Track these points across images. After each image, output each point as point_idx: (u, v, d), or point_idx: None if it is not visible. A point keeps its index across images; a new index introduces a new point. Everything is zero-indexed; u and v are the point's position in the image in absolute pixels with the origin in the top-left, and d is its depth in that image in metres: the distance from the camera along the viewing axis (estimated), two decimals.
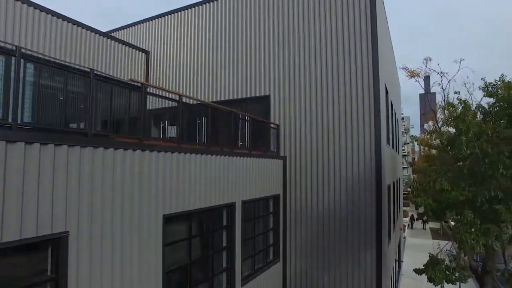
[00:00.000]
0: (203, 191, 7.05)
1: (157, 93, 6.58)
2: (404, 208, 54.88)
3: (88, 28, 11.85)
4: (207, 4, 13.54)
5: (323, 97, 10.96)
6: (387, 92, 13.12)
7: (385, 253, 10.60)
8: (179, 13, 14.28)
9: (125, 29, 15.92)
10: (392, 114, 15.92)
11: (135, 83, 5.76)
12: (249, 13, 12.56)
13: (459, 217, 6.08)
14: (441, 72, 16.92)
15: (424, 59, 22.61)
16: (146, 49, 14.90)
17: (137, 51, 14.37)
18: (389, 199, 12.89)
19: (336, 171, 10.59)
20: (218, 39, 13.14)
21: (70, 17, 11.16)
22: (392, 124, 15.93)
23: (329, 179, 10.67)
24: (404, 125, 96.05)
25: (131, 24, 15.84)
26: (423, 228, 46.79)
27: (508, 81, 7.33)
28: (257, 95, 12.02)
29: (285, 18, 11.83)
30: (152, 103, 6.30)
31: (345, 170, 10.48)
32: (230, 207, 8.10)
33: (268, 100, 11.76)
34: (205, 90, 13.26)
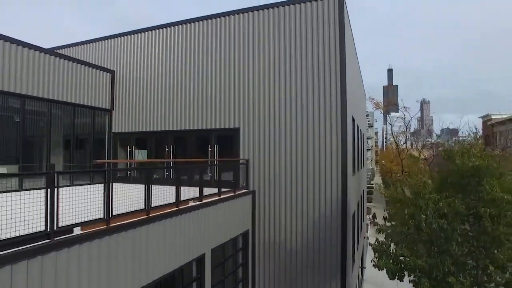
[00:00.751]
0: (173, 253, 7.00)
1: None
2: (368, 205, 57.38)
3: (41, 50, 11.20)
4: (177, 27, 13.17)
5: (292, 132, 11.11)
6: (354, 120, 13.50)
7: (349, 284, 11.07)
8: (148, 32, 13.80)
9: (88, 44, 15.17)
10: (359, 137, 16.44)
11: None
12: (220, 43, 12.37)
13: (416, 282, 6.48)
14: (404, 107, 17.51)
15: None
16: (111, 69, 14.31)
17: (101, 71, 13.77)
18: (354, 223, 13.41)
19: (304, 207, 10.85)
20: (188, 65, 12.87)
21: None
22: (359, 146, 16.46)
23: (297, 214, 10.92)
24: (369, 121, 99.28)
25: (95, 39, 15.10)
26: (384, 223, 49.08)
27: (466, 145, 7.80)
28: (227, 127, 11.96)
29: (258, 53, 11.77)
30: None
31: (312, 206, 10.76)
32: (200, 259, 8.11)
33: (238, 133, 11.75)
34: (173, 117, 13.00)
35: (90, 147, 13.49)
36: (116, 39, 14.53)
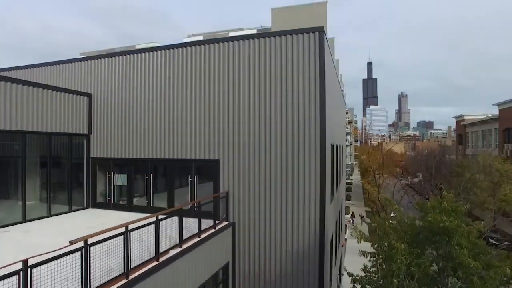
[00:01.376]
0: None
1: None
2: (346, 203, 58.64)
3: (13, 80, 10.91)
4: (158, 52, 13.02)
5: (272, 163, 11.27)
6: (333, 145, 13.79)
7: None
8: (128, 56, 13.58)
9: (64, 65, 14.76)
10: (338, 155, 16.77)
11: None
12: (201, 71, 12.32)
13: None
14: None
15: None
16: (89, 92, 14.02)
17: (78, 96, 13.48)
18: (331, 245, 13.80)
19: (283, 238, 11.10)
20: (168, 92, 12.77)
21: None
22: (337, 165, 16.81)
23: (276, 245, 11.16)
24: (348, 118, 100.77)
25: (72, 59, 14.72)
26: (361, 224, 50.21)
27: (440, 203, 8.20)
28: (207, 157, 12.01)
29: (239, 83, 11.80)
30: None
31: (291, 237, 11.02)
32: None
33: (218, 164, 11.82)
34: (152, 144, 12.92)
35: (68, 172, 13.27)
36: (94, 61, 14.22)
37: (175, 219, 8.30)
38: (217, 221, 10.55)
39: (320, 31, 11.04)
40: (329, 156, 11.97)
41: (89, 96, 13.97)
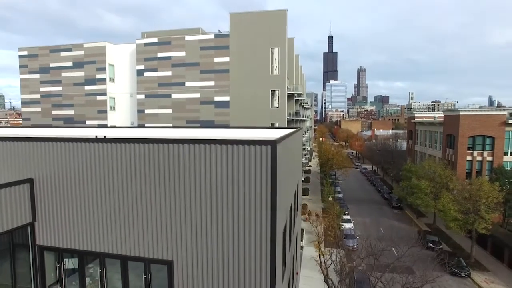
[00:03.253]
0: None
1: None
2: (303, 198, 60.74)
3: None
4: (106, 144, 12.38)
5: (224, 265, 11.49)
6: (285, 228, 14.20)
7: None
8: (70, 144, 12.79)
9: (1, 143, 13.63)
10: (291, 215, 17.28)
11: None
12: (150, 167, 11.96)
13: None
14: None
15: None
16: (30, 177, 13.17)
17: (17, 186, 12.64)
18: None
19: None
20: (113, 184, 12.33)
21: None
22: (291, 220, 17.36)
23: None
24: (307, 102, 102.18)
25: (11, 138, 13.59)
26: (316, 221, 52.54)
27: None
28: (159, 257, 11.95)
29: (190, 183, 11.64)
30: None
31: None
32: None
33: (171, 266, 11.83)
34: (100, 237, 12.57)
35: (11, 263, 12.66)
36: (36, 143, 13.27)
37: None
38: None
39: (272, 144, 11.06)
40: (280, 245, 12.38)
41: (30, 181, 13.14)
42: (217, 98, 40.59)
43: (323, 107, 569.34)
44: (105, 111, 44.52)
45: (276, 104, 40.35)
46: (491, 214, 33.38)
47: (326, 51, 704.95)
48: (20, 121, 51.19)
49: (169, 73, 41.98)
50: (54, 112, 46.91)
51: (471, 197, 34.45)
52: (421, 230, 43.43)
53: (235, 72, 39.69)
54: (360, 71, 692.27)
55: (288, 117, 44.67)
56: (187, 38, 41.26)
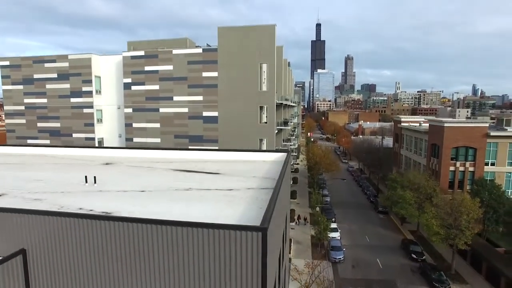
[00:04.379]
0: None
1: None
2: (291, 201, 61.56)
3: None
4: (90, 220, 12.53)
5: None
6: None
7: None
8: (61, 218, 12.88)
9: None
10: (280, 263, 17.79)
11: None
12: (136, 249, 12.21)
13: None
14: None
15: None
16: (23, 248, 13.26)
17: (9, 262, 12.75)
18: None
19: None
20: (100, 262, 12.55)
21: None
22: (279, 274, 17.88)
23: None
24: (296, 100, 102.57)
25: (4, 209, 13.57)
26: (304, 223, 53.89)
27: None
28: None
29: (178, 264, 11.94)
30: None
31: None
32: None
33: None
34: None
35: None
36: (29, 215, 13.31)
37: None
38: None
39: (263, 231, 11.39)
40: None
41: (23, 252, 13.25)
42: (205, 113, 40.52)
43: (311, 95, 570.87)
44: (92, 124, 44.01)
45: (264, 120, 40.56)
46: (471, 230, 34.71)
47: (314, 39, 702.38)
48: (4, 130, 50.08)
49: (156, 87, 41.58)
50: (39, 124, 46.09)
51: (452, 212, 35.70)
52: (405, 239, 44.85)
53: (224, 87, 39.59)
54: (348, 60, 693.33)
55: (277, 126, 44.97)
56: (175, 52, 40.78)
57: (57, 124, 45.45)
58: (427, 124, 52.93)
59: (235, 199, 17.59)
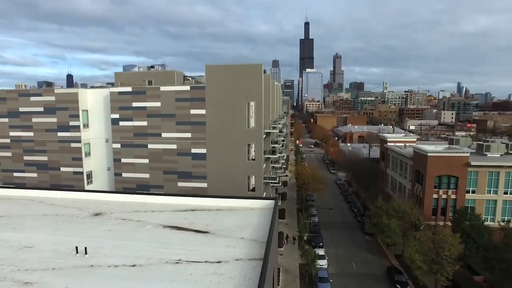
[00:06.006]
0: None
1: None
2: (280, 222, 62.33)
3: None
4: None
5: None
6: None
7: None
8: None
9: None
10: None
11: None
12: None
13: None
14: None
15: None
16: None
17: None
18: None
19: None
20: None
21: None
22: None
23: None
24: (285, 110, 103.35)
25: None
26: (293, 243, 55.22)
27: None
28: None
29: None
30: None
31: None
32: None
33: None
34: None
35: None
36: None
37: None
38: None
39: None
40: None
41: None
42: (194, 150, 40.90)
43: (300, 94, 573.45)
44: (80, 159, 43.92)
45: (252, 156, 41.14)
46: (452, 266, 36.07)
47: (303, 37, 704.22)
48: None
49: (144, 123, 41.74)
50: (26, 158, 45.76)
51: (435, 247, 37.01)
52: (391, 266, 46.14)
53: (212, 125, 40.00)
54: (336, 58, 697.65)
55: (265, 155, 45.55)
56: (162, 88, 40.97)
57: (45, 158, 45.22)
58: (412, 149, 54.27)
59: (224, 279, 18.37)
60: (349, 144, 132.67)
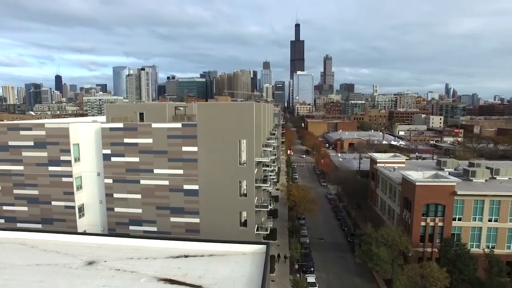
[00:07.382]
0: None
1: None
2: (272, 243, 63.00)
3: None
4: None
5: None
6: None
7: None
8: None
9: None
10: None
11: None
12: None
13: None
14: None
15: None
16: None
17: None
18: None
19: None
20: None
21: None
22: None
23: None
24: (276, 123, 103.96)
25: None
26: (284, 261, 56.46)
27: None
28: None
29: None
30: None
31: None
32: None
33: None
34: None
35: None
36: None
37: None
38: None
39: None
40: None
41: None
42: (186, 186, 41.23)
43: (291, 96, 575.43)
44: (72, 193, 43.86)
45: (244, 190, 41.64)
46: None
47: (293, 38, 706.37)
48: None
49: (136, 159, 41.91)
50: (16, 191, 45.47)
51: (422, 282, 38.09)
52: None
53: (203, 162, 40.39)
54: (327, 59, 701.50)
55: (256, 184, 46.03)
56: (154, 125, 41.19)
57: (35, 192, 45.02)
58: (400, 174, 55.32)
59: None
60: (339, 155, 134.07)
